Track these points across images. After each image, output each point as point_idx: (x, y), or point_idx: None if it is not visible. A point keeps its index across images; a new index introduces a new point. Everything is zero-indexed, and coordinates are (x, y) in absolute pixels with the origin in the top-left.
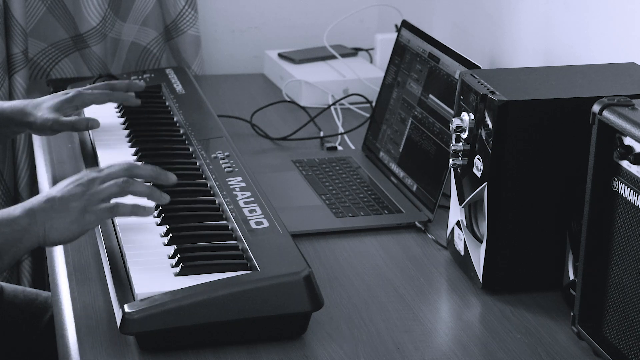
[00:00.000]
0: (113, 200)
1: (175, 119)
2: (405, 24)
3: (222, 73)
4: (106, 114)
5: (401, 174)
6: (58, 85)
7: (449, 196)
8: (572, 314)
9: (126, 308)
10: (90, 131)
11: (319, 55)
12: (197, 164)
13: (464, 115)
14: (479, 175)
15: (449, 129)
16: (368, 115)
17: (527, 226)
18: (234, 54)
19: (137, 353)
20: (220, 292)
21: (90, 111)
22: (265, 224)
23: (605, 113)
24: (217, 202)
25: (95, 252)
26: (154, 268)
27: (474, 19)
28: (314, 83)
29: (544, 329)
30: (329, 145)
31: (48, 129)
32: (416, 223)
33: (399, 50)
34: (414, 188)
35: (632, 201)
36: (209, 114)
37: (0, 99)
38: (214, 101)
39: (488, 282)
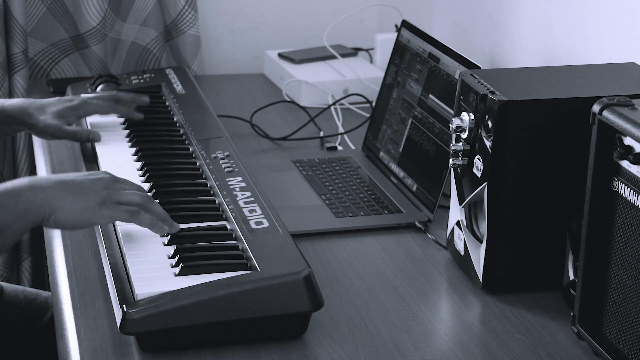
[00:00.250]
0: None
1: (175, 119)
2: (405, 24)
3: (222, 73)
4: None
5: (401, 174)
6: (58, 85)
7: (449, 196)
8: (572, 314)
9: (126, 308)
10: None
11: (319, 55)
12: (197, 164)
13: (464, 115)
14: (479, 175)
15: (449, 129)
16: (368, 115)
17: (527, 226)
18: (234, 54)
19: (137, 353)
20: (220, 292)
21: None
22: (265, 224)
23: (605, 113)
24: (217, 202)
25: (95, 252)
26: (154, 268)
27: (474, 19)
28: (314, 83)
29: (544, 329)
30: (329, 145)
31: (49, 134)
32: (416, 223)
33: (399, 50)
34: (414, 188)
35: (632, 201)
36: (209, 114)
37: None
38: (214, 101)
39: (488, 282)
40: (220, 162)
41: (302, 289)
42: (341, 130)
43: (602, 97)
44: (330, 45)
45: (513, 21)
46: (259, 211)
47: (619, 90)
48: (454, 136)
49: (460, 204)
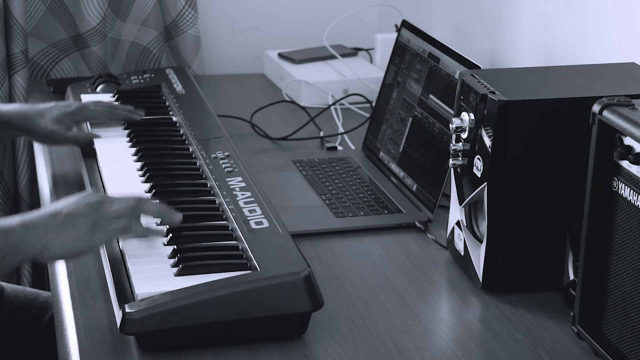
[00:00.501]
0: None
1: (175, 119)
2: (405, 24)
3: (222, 73)
4: None
5: (401, 174)
6: (58, 85)
7: (449, 196)
8: (572, 314)
9: (126, 308)
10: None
11: (319, 55)
12: (197, 164)
13: (464, 115)
14: (479, 175)
15: (449, 129)
16: (368, 115)
17: (527, 226)
18: (234, 54)
19: (137, 353)
20: (220, 292)
21: None
22: (265, 224)
23: (605, 113)
24: (217, 202)
25: (95, 252)
26: (154, 268)
27: (474, 19)
28: (314, 83)
29: (544, 329)
30: (329, 145)
31: (51, 140)
32: (416, 223)
33: (399, 50)
34: (414, 188)
35: (632, 201)
36: (209, 114)
37: (0, 99)
38: (214, 101)
39: (488, 282)
40: (220, 162)
41: (302, 289)
42: (341, 130)
43: (602, 97)
44: (330, 45)
45: (513, 21)
46: (259, 211)
47: (619, 90)
48: (454, 136)
49: (460, 204)
